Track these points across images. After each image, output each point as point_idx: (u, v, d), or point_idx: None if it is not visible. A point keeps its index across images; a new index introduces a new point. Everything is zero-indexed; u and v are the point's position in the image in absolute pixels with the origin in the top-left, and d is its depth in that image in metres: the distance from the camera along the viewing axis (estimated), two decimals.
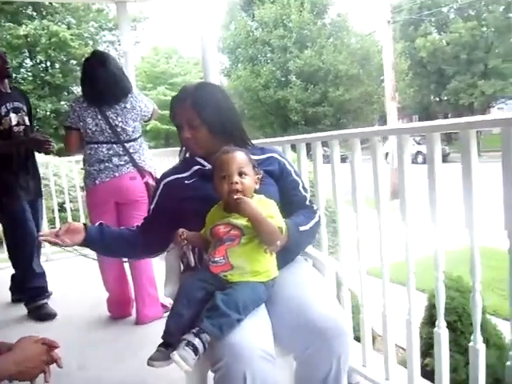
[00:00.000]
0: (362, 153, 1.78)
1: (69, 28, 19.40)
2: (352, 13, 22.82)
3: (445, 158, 15.15)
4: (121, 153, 2.64)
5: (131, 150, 2.66)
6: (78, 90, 20.80)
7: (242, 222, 1.26)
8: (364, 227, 1.80)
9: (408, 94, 23.06)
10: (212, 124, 1.49)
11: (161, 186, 1.58)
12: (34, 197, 3.07)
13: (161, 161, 4.06)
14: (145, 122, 2.85)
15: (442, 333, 1.50)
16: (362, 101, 20.75)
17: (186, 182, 1.52)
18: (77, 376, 2.12)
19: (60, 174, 4.99)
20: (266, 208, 1.28)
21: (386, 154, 10.97)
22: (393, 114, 12.82)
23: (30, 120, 3.07)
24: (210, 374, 1.29)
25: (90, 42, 20.72)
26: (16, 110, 2.94)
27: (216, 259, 1.27)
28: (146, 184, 2.64)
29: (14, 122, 2.90)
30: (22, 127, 2.96)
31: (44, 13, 19.16)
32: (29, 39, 18.20)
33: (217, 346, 1.17)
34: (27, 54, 19.66)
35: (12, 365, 1.02)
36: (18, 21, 18.19)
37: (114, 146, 2.63)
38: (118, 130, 2.63)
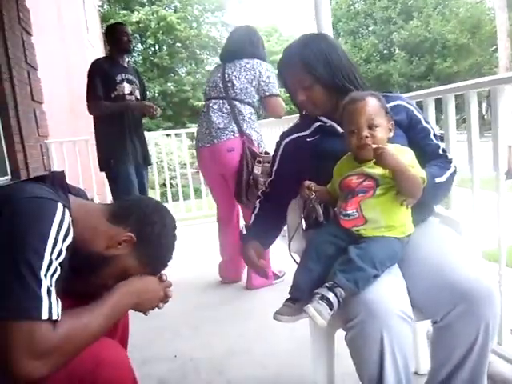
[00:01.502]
0: None
1: (175, 11, 20.21)
2: None
3: None
4: (224, 110, 2.64)
5: (235, 110, 2.62)
6: (183, 70, 21.75)
7: (377, 171, 1.16)
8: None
9: None
10: (325, 80, 1.39)
11: (281, 147, 1.54)
12: (141, 162, 3.24)
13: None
14: (261, 97, 2.72)
15: None
16: (471, 73, 19.11)
17: (307, 139, 1.45)
18: (188, 338, 2.19)
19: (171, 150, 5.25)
20: (405, 157, 1.17)
21: None
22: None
23: (142, 96, 3.29)
24: (338, 334, 1.24)
25: (194, 25, 21.42)
26: (130, 82, 3.17)
27: (348, 212, 1.19)
28: (242, 156, 2.59)
29: (127, 91, 3.13)
30: (133, 97, 3.17)
31: None
32: (140, 25, 19.26)
33: (351, 302, 1.10)
34: (138, 39, 20.85)
35: (132, 296, 1.03)
36: (131, 8, 19.35)
37: (220, 101, 2.65)
38: (229, 85, 2.64)
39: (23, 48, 4.17)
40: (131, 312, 1.11)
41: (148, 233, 1.06)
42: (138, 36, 20.62)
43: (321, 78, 1.39)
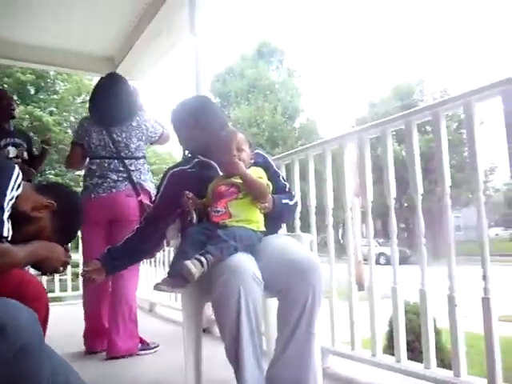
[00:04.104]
0: None
1: (51, 115, 20.27)
2: (320, 119, 25.01)
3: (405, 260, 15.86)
4: (120, 168, 2.73)
5: (131, 168, 2.75)
6: (52, 172, 21.24)
7: (240, 181, 1.62)
8: None
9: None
10: (203, 125, 1.89)
11: (167, 177, 1.93)
12: None
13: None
14: (152, 143, 2.99)
15: None
16: None
17: (188, 170, 1.88)
18: None
19: None
20: (257, 173, 1.66)
21: None
22: None
23: (29, 156, 3.39)
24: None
25: (69, 131, 21.59)
26: (16, 145, 3.26)
27: (218, 209, 1.60)
28: (140, 203, 2.72)
29: (12, 155, 3.21)
30: (19, 160, 3.24)
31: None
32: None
33: (218, 267, 1.45)
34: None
35: (45, 250, 1.30)
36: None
37: (115, 161, 2.74)
38: (121, 145, 2.75)
39: None
40: None
41: (63, 206, 1.36)
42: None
43: (201, 123, 1.88)
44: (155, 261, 4.45)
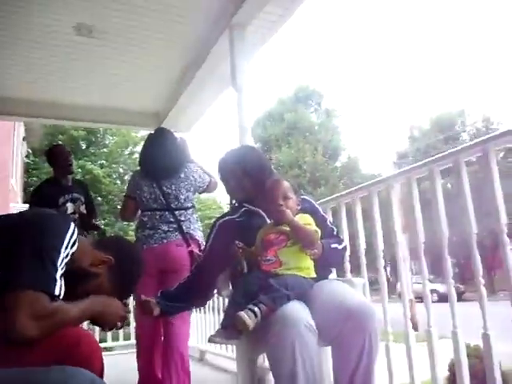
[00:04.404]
0: None
1: (102, 167, 21.25)
2: (362, 156, 24.89)
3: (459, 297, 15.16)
4: (171, 220, 2.79)
5: (181, 218, 2.82)
6: (102, 222, 22.03)
7: (288, 228, 1.63)
8: None
9: None
10: (250, 173, 1.94)
11: (216, 227, 1.97)
12: None
13: None
14: (200, 193, 3.06)
15: None
16: None
17: (236, 220, 1.91)
18: None
19: None
20: (305, 220, 1.67)
21: None
22: None
23: (87, 209, 3.59)
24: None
25: (118, 182, 22.50)
26: (73, 200, 3.47)
27: (268, 258, 1.61)
28: (191, 253, 2.77)
29: (69, 211, 3.41)
30: (76, 215, 3.46)
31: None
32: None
33: (271, 318, 1.44)
34: None
35: (100, 304, 1.31)
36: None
37: (166, 212, 2.81)
38: (171, 197, 2.83)
39: None
40: None
41: (122, 261, 1.39)
42: None
43: (249, 173, 1.92)
44: (205, 308, 4.46)
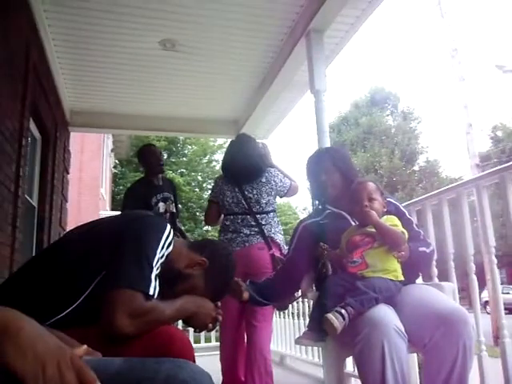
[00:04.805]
0: None
1: (182, 176, 22.16)
2: (441, 159, 23.68)
3: None
4: (252, 223, 2.82)
5: (263, 222, 2.82)
6: (182, 229, 22.90)
7: (373, 230, 1.61)
8: None
9: None
10: (342, 171, 1.95)
11: (299, 230, 1.99)
12: None
13: None
14: (281, 196, 3.05)
15: None
16: None
17: (320, 222, 1.92)
18: None
19: None
20: (391, 221, 1.64)
21: None
22: None
23: (175, 207, 3.69)
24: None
25: (197, 189, 23.33)
26: (165, 199, 3.57)
27: (354, 260, 1.60)
28: (272, 256, 2.78)
29: (161, 210, 3.52)
30: (168, 214, 3.56)
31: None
32: None
33: (359, 321, 1.43)
34: None
35: (194, 305, 1.34)
36: (141, 170, 21.25)
37: (248, 216, 2.83)
38: (252, 201, 2.85)
39: (62, 182, 4.84)
40: None
41: (216, 263, 1.42)
42: None
43: (340, 169, 1.94)
44: (286, 313, 4.48)
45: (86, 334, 1.05)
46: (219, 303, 1.45)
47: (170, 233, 1.31)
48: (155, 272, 1.21)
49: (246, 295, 1.82)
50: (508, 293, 12.13)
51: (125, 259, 1.19)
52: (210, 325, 1.41)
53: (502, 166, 2.00)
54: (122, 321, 1.11)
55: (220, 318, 1.42)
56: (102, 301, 1.13)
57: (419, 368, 1.95)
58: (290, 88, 4.11)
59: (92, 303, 1.16)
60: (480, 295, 2.11)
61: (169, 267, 1.32)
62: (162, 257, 1.25)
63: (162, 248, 1.26)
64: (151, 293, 1.17)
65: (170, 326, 1.27)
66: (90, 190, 11.37)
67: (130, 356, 1.06)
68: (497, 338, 5.90)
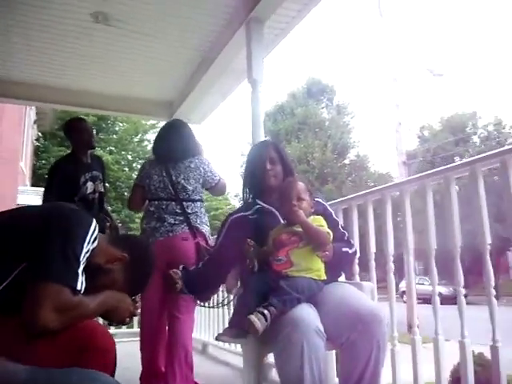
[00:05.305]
0: None
1: (111, 154, 21.34)
2: (371, 154, 24.73)
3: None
4: (178, 211, 2.72)
5: (188, 211, 2.74)
6: (109, 209, 22.17)
7: (301, 229, 1.61)
8: None
9: None
10: (282, 162, 1.98)
11: (228, 222, 1.96)
12: None
13: None
14: (207, 189, 2.95)
15: None
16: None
17: (249, 217, 1.90)
18: None
19: None
20: (318, 222, 1.66)
21: None
22: None
23: (103, 186, 3.49)
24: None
25: (126, 169, 22.59)
26: (93, 179, 3.36)
27: (280, 258, 1.61)
28: (197, 245, 2.70)
29: (89, 190, 3.31)
30: (96, 194, 3.37)
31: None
32: None
33: (280, 320, 1.44)
34: None
35: (114, 299, 1.35)
36: (66, 145, 20.21)
37: (173, 203, 2.74)
38: (179, 187, 2.75)
39: None
40: None
41: (137, 260, 1.42)
42: None
43: (283, 161, 1.96)
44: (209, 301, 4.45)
45: (4, 325, 1.07)
46: (138, 298, 1.46)
47: (95, 228, 1.30)
48: (81, 267, 1.20)
49: (179, 286, 1.82)
50: (423, 283, 13.02)
51: (52, 253, 1.17)
52: (128, 319, 1.43)
53: (420, 175, 2.11)
54: (48, 315, 1.10)
55: (137, 312, 1.45)
56: (26, 293, 1.11)
57: (337, 363, 2.00)
58: (227, 74, 4.04)
59: (11, 294, 1.13)
60: (398, 285, 2.21)
61: (91, 262, 1.30)
62: (87, 252, 1.24)
63: (88, 243, 1.25)
64: (78, 288, 1.17)
65: (91, 321, 1.27)
66: (8, 164, 10.61)
67: (50, 351, 1.11)
68: (410, 326, 6.35)
